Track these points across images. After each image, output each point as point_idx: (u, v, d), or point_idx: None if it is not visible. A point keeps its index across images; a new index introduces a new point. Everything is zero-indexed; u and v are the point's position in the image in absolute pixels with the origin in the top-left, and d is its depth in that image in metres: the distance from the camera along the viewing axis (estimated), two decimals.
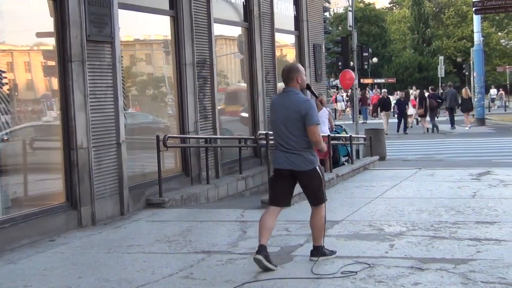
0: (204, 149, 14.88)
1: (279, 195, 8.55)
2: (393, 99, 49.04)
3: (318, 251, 8.51)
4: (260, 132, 16.13)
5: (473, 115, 47.04)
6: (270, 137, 14.15)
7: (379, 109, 44.51)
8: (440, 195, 13.89)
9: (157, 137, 12.99)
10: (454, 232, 9.92)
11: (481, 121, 45.00)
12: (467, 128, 39.81)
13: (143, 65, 14.96)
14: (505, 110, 61.61)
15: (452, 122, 40.07)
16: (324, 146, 8.63)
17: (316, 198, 8.49)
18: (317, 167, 8.40)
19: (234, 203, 14.00)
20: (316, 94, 9.17)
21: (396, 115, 41.98)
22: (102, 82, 11.83)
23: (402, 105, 39.47)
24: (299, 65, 8.77)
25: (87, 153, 11.34)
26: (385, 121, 39.66)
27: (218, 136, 15.54)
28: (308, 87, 8.78)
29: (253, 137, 16.55)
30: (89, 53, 11.47)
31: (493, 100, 67.23)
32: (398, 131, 38.63)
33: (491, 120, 49.09)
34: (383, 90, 46.52)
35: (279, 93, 9.27)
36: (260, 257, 8.00)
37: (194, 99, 14.69)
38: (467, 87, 45.13)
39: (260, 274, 7.85)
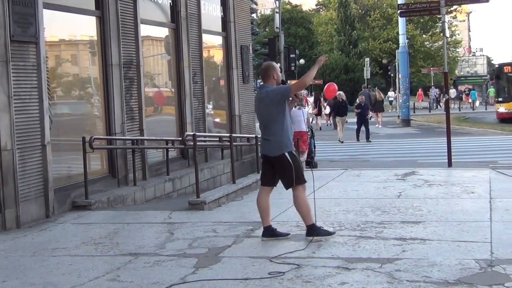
0: (131, 150, 14.77)
1: (262, 177, 10.08)
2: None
3: (311, 230, 9.55)
4: (187, 133, 16.05)
5: (398, 116, 47.90)
6: (197, 139, 14.13)
7: (333, 114, 38.95)
8: (366, 195, 14.04)
9: (83, 138, 12.87)
10: (380, 232, 10.05)
11: (406, 122, 45.78)
12: (377, 125, 43.34)
13: (69, 66, 14.76)
14: (430, 112, 62.64)
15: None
16: (308, 78, 9.48)
17: (287, 181, 9.65)
18: (287, 153, 9.48)
19: (161, 204, 13.94)
20: None
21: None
22: (26, 83, 11.65)
23: (362, 109, 35.05)
24: (275, 63, 9.92)
25: (11, 155, 11.16)
26: (340, 127, 34.79)
27: (145, 137, 15.43)
28: (283, 82, 10.04)
29: (181, 138, 16.48)
30: (13, 53, 11.29)
31: (391, 102, 68.74)
32: (358, 139, 34.23)
33: (416, 121, 49.91)
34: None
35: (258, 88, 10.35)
36: (264, 238, 9.66)
37: (121, 100, 14.57)
38: (379, 90, 50.61)
39: (188, 276, 7.83)
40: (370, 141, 33.19)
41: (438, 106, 70.03)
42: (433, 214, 11.56)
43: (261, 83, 10.00)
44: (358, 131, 34.34)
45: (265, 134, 9.72)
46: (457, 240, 9.40)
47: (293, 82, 9.96)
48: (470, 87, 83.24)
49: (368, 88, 53.33)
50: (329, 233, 9.61)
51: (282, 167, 9.58)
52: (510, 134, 36.40)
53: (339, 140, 33.75)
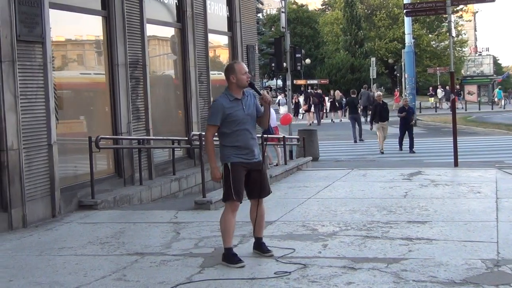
0: (137, 150, 14.78)
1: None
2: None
3: (224, 255, 8.53)
4: (193, 133, 16.07)
5: None
6: (203, 138, 14.12)
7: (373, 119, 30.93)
8: (372, 195, 14.02)
9: (89, 138, 12.88)
10: (386, 231, 10.03)
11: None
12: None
13: (75, 66, 14.79)
14: (436, 111, 62.52)
15: (365, 118, 44.45)
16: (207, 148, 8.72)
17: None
18: (222, 165, 8.62)
19: (167, 204, 13.94)
20: (260, 92, 8.94)
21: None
22: (33, 82, 11.67)
23: (407, 113, 28.73)
24: (237, 64, 8.80)
25: (17, 154, 11.18)
26: (380, 135, 28.91)
27: (151, 137, 15.44)
28: (251, 85, 8.80)
29: (187, 138, 16.49)
30: (20, 53, 11.31)
31: None
32: (401, 148, 28.93)
33: (422, 121, 49.84)
34: (377, 93, 33.26)
35: None
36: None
37: (127, 100, 14.59)
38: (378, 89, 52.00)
39: (194, 275, 7.83)
40: (414, 152, 27.98)
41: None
42: (439, 214, 11.54)
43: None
44: (401, 138, 28.96)
45: None
46: (463, 240, 9.39)
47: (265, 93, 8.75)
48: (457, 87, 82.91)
49: (373, 87, 54.27)
50: (236, 263, 8.32)
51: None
52: None
53: (380, 151, 28.54)
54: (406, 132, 28.30)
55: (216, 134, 8.68)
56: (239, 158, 8.54)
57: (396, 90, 71.58)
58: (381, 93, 33.78)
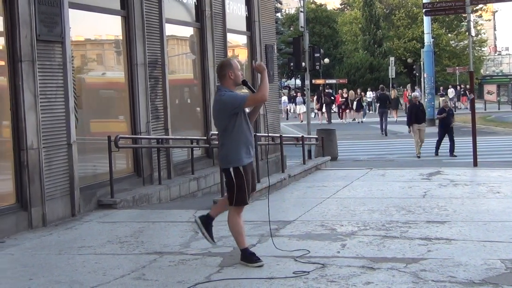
0: (156, 149, 14.82)
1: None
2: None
3: (242, 255, 8.41)
4: (212, 132, 16.08)
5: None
6: None
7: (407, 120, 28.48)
8: (391, 195, 13.99)
9: (109, 137, 12.92)
10: (405, 231, 10.00)
11: (431, 122, 45.51)
12: (395, 120, 45.80)
13: (94, 65, 14.84)
14: (455, 111, 62.28)
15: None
16: (265, 91, 8.29)
17: (228, 197, 8.52)
18: (231, 168, 8.33)
19: (186, 203, 13.97)
20: (254, 90, 8.62)
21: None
22: (52, 82, 11.72)
23: (447, 115, 27.15)
24: (233, 60, 8.65)
25: (37, 153, 11.23)
26: (417, 138, 27.02)
27: (170, 136, 15.48)
28: (244, 82, 8.62)
29: (205, 137, 16.52)
30: (39, 53, 11.36)
31: (371, 103, 65.32)
32: (437, 152, 27.13)
33: None
34: (413, 94, 31.60)
35: None
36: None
37: (146, 99, 14.63)
38: (395, 89, 55.26)
39: (213, 274, 7.84)
40: (455, 156, 26.24)
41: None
42: (458, 214, 11.50)
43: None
44: (439, 142, 27.23)
45: (218, 143, 8.85)
46: (482, 240, 9.35)
47: (249, 96, 8.39)
48: (463, 86, 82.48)
49: (393, 87, 55.04)
50: (255, 262, 8.25)
51: (227, 181, 8.51)
52: None
53: (416, 156, 26.95)
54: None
55: (218, 132, 8.63)
56: (248, 158, 8.39)
57: (405, 90, 71.39)
58: (418, 94, 32.22)
